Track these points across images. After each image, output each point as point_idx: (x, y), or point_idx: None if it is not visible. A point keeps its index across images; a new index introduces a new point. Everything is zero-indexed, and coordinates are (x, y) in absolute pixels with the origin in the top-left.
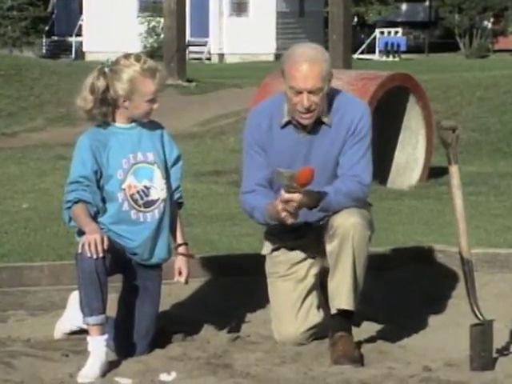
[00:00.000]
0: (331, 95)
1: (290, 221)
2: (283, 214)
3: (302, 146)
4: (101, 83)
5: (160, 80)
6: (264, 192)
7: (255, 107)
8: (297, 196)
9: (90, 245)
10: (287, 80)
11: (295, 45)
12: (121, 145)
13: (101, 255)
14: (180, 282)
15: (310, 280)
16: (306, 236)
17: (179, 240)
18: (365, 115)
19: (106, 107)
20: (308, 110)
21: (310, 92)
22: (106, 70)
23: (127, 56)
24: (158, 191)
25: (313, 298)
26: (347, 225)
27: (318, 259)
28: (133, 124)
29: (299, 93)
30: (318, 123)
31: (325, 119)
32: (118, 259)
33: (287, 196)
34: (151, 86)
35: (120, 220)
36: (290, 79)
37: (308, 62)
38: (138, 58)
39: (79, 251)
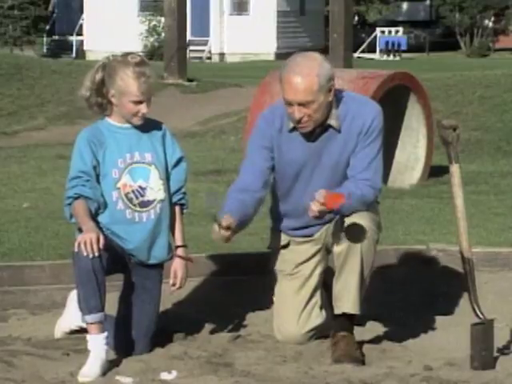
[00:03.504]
0: (342, 99)
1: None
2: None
3: (312, 152)
4: (98, 75)
5: (144, 84)
6: (248, 196)
7: (268, 108)
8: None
9: (85, 244)
10: (282, 91)
11: (294, 54)
12: (118, 144)
13: (96, 254)
14: (174, 286)
15: (315, 279)
16: (313, 235)
17: (178, 242)
18: (377, 116)
19: (101, 98)
20: (299, 122)
21: (300, 104)
22: (107, 63)
23: (125, 54)
24: (155, 192)
25: (316, 298)
26: None
27: (323, 258)
28: (130, 124)
29: (291, 104)
30: (325, 128)
31: (332, 122)
32: (116, 258)
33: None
34: (134, 87)
35: (116, 219)
36: (283, 91)
37: (298, 76)
38: (133, 58)
39: (76, 250)
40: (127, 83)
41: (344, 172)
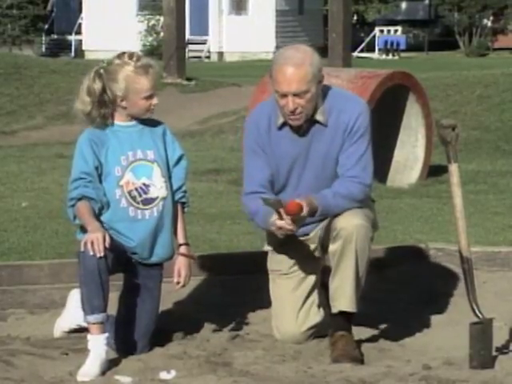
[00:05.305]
0: (328, 94)
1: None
2: (279, 234)
3: (301, 147)
4: (97, 85)
5: (154, 76)
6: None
7: (254, 108)
8: (286, 225)
9: (92, 243)
10: (273, 83)
11: (284, 47)
12: (120, 142)
13: (102, 254)
14: (178, 284)
15: (312, 278)
16: (308, 234)
17: (180, 240)
18: (363, 113)
19: (104, 109)
20: (293, 113)
21: (294, 95)
22: (102, 71)
23: (120, 55)
24: (158, 189)
25: (314, 297)
26: (350, 227)
27: (319, 257)
28: (133, 122)
29: (284, 96)
30: (312, 122)
31: (319, 117)
32: (119, 258)
33: (279, 224)
34: (145, 82)
35: (119, 217)
36: (275, 83)
37: (292, 66)
38: (130, 56)
39: (82, 250)
40: (136, 81)
41: (333, 167)
